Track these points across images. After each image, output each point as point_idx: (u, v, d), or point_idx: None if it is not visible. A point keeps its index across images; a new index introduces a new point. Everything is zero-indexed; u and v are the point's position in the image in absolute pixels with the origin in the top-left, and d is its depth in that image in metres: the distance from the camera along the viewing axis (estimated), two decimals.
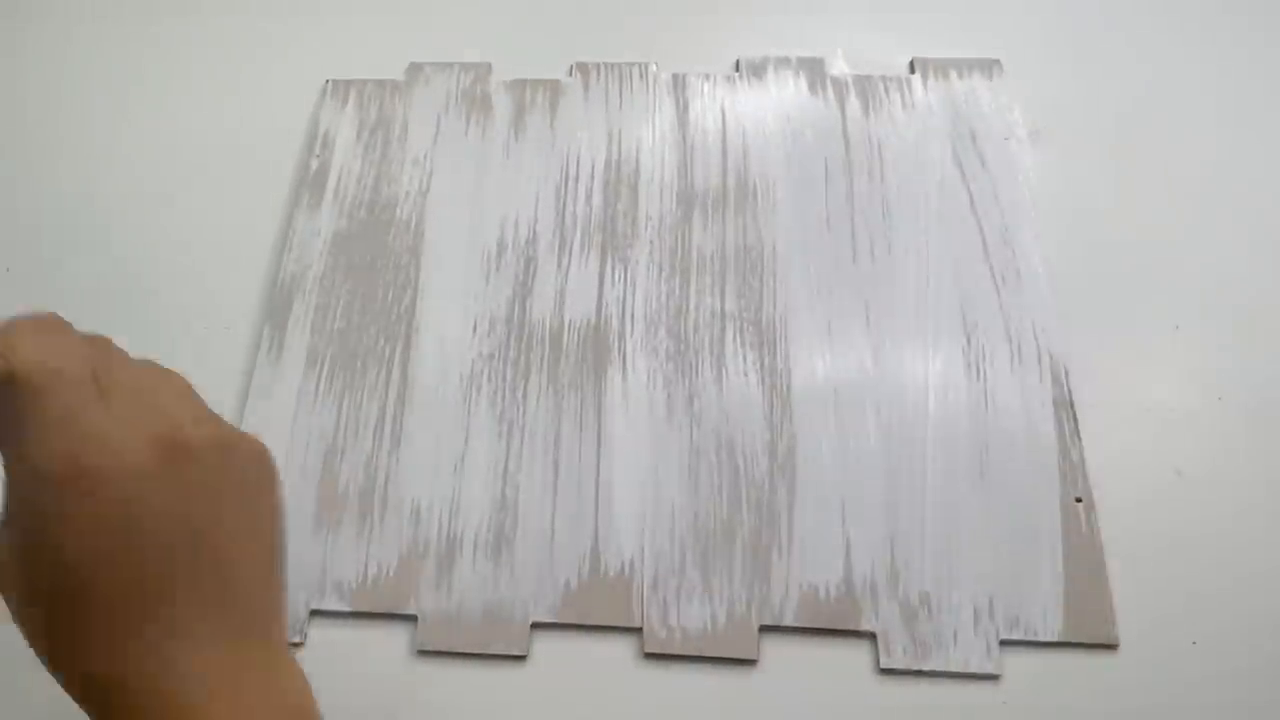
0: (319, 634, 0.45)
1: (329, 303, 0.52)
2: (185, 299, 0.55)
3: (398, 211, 0.55)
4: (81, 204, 0.59)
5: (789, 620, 0.44)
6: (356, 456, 0.48)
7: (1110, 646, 0.44)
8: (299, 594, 0.45)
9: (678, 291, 0.53)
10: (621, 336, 0.51)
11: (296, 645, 0.44)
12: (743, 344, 0.51)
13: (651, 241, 0.54)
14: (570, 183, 0.56)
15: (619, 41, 0.62)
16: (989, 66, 0.61)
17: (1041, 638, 0.44)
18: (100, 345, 0.28)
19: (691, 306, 0.52)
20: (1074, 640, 0.44)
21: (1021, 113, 0.59)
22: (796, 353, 0.51)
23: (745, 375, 0.50)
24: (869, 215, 0.55)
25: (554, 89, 0.60)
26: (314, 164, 0.57)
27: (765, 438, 0.48)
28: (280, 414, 0.49)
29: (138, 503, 0.25)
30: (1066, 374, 0.50)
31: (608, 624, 0.44)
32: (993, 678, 0.43)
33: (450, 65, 0.61)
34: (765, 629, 0.44)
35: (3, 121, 0.64)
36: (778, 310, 0.52)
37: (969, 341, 0.51)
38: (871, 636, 0.44)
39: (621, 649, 0.44)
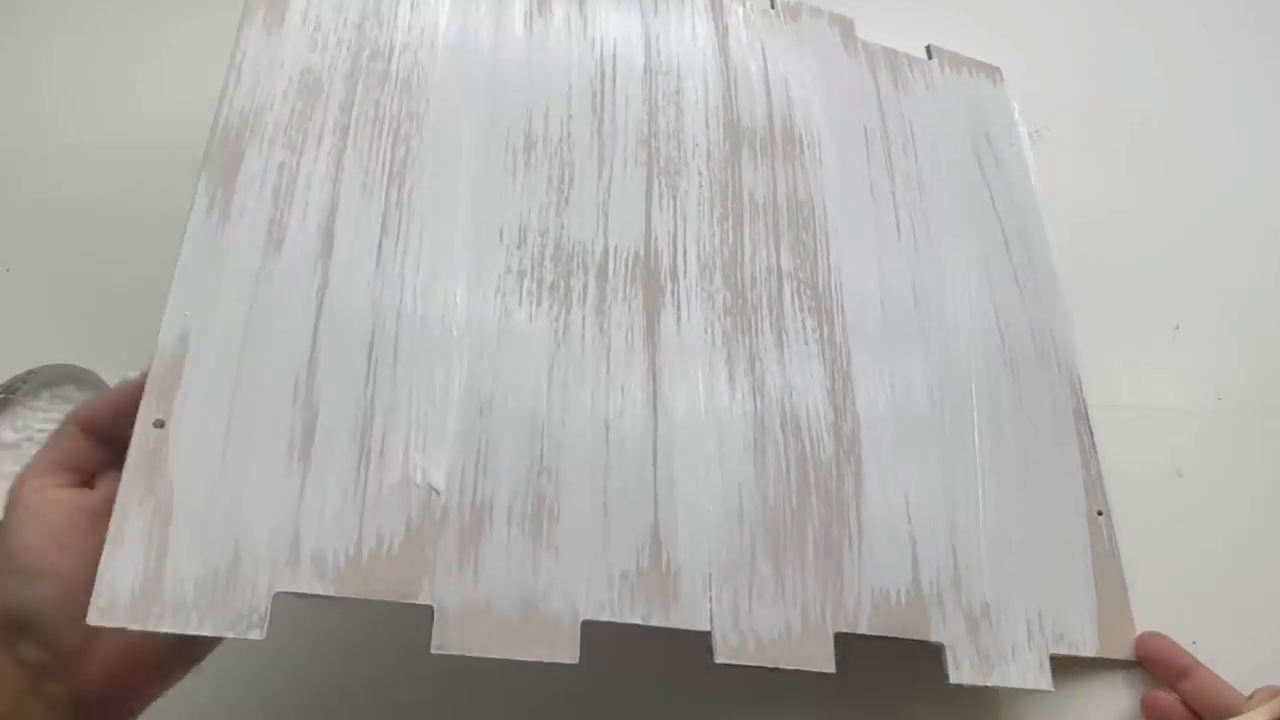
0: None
1: (298, 163, 0.37)
2: None
3: (393, 64, 0.41)
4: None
5: (864, 628, 0.39)
6: (345, 380, 0.35)
7: (1136, 663, 0.44)
8: (258, 571, 0.31)
9: (731, 237, 0.45)
10: (674, 276, 0.42)
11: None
12: (801, 308, 0.44)
13: (700, 173, 0.46)
14: (606, 83, 0.46)
15: None
16: (991, 72, 0.60)
17: (1083, 653, 0.43)
18: None
19: (747, 256, 0.44)
20: (1109, 656, 0.43)
21: (1021, 115, 0.58)
22: (854, 328, 0.45)
23: (806, 344, 0.44)
24: (908, 192, 0.51)
25: None
26: None
27: (830, 418, 0.42)
28: (228, 303, 0.34)
29: None
30: (1080, 383, 0.50)
31: (673, 625, 0.35)
32: (1047, 694, 0.41)
33: None
34: (840, 638, 0.38)
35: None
36: (832, 277, 0.46)
37: (1002, 341, 0.49)
38: (937, 647, 0.40)
39: (683, 654, 0.36)
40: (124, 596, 0.29)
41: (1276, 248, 0.57)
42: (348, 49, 0.41)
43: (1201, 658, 0.44)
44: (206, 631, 0.29)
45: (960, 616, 0.41)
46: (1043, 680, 0.41)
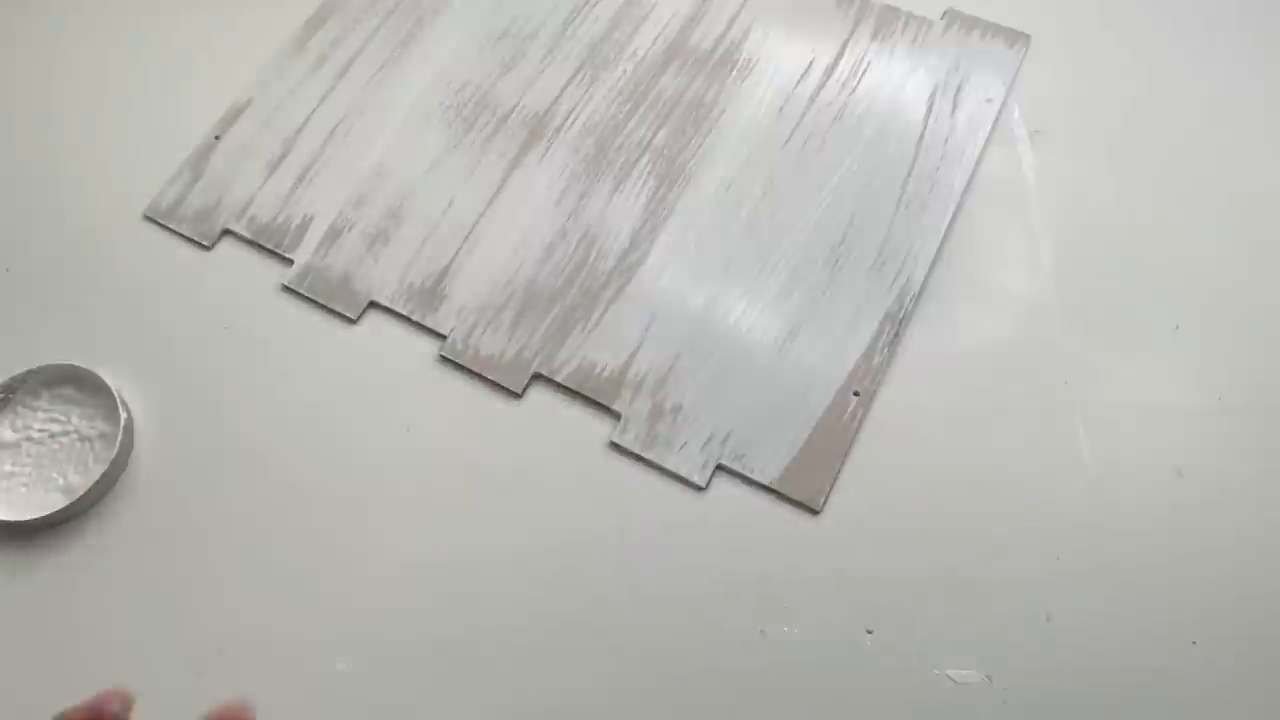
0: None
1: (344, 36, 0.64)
2: None
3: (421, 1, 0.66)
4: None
5: (560, 378, 0.51)
6: (311, 141, 0.60)
7: (812, 510, 0.48)
8: (221, 215, 0.57)
9: (621, 115, 0.59)
10: (559, 131, 0.59)
11: None
12: (649, 174, 0.57)
13: (625, 71, 0.61)
14: (587, 6, 0.64)
15: None
16: (1013, 38, 0.62)
17: (755, 478, 0.49)
18: None
19: (625, 131, 0.59)
20: (781, 491, 0.48)
21: (1028, 92, 0.60)
22: (688, 197, 0.56)
23: (636, 198, 0.57)
24: (821, 116, 0.59)
25: None
26: None
27: (623, 245, 0.55)
28: (276, 89, 0.62)
29: None
30: (914, 301, 0.53)
31: (424, 323, 0.53)
32: (698, 489, 0.49)
33: None
34: (538, 377, 0.52)
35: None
36: (693, 159, 0.58)
37: (842, 240, 0.55)
38: (617, 416, 0.50)
39: (425, 347, 0.53)
40: (164, 206, 0.58)
41: (1277, 248, 0.53)
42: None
43: (1200, 658, 0.44)
44: (185, 232, 0.57)
45: (648, 402, 0.51)
46: (697, 476, 0.49)
